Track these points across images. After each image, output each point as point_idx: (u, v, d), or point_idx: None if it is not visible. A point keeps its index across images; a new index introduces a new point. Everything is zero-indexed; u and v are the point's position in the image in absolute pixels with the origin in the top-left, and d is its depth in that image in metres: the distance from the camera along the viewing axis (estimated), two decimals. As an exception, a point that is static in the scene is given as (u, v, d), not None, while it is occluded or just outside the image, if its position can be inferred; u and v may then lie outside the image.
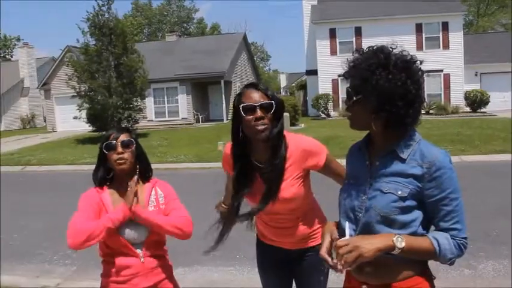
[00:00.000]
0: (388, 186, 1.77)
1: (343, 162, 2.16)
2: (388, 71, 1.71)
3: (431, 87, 27.70)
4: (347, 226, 1.77)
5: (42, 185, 12.85)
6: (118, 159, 2.41)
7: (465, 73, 28.02)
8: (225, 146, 2.55)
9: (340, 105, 26.54)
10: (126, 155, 2.42)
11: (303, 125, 23.24)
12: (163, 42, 36.87)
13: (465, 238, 1.78)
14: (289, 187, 2.36)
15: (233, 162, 2.44)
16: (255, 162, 2.40)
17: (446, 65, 27.50)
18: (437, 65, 27.06)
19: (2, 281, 5.24)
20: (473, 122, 20.40)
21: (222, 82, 28.62)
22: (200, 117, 29.30)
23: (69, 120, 28.83)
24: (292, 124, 21.73)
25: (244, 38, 35.70)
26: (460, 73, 27.85)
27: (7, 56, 54.27)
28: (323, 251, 1.82)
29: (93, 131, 23.25)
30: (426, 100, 24.34)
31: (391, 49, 1.79)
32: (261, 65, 69.33)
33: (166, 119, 29.35)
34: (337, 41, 28.61)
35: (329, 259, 1.78)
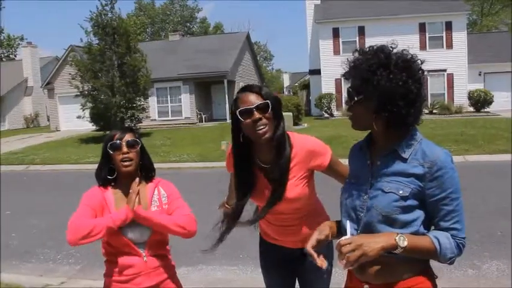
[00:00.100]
0: (389, 186, 1.77)
1: (346, 162, 2.16)
2: (389, 71, 1.71)
3: (434, 86, 27.66)
4: (348, 225, 1.77)
5: (46, 184, 12.89)
6: (123, 159, 2.41)
7: (469, 73, 27.95)
8: (228, 147, 2.55)
9: (343, 105, 26.51)
10: (131, 155, 2.42)
11: (306, 125, 23.23)
12: (167, 42, 36.89)
13: (464, 238, 1.77)
14: (294, 187, 2.36)
15: (234, 165, 2.45)
16: (259, 163, 2.40)
17: (450, 65, 27.46)
18: (440, 65, 27.01)
19: (5, 279, 5.25)
20: (477, 121, 20.35)
21: (225, 82, 28.61)
22: (203, 116, 29.32)
23: (73, 119, 28.90)
24: (295, 124, 21.72)
25: (248, 37, 35.67)
26: (463, 73, 27.79)
27: (11, 56, 54.39)
28: (308, 246, 1.86)
29: (97, 130, 23.30)
30: (429, 100, 24.29)
31: (391, 48, 1.79)
32: (264, 64, 69.30)
33: (170, 118, 29.38)
34: (341, 40, 28.58)
35: (315, 254, 1.82)
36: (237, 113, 2.25)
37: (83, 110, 22.47)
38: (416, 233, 1.74)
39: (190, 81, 28.94)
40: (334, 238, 2.05)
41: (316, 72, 30.01)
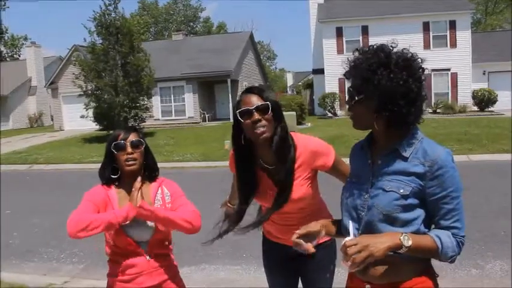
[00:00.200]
0: (390, 185, 1.77)
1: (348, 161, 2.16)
2: (390, 70, 1.70)
3: (438, 86, 27.59)
4: (351, 226, 1.76)
5: (49, 183, 12.92)
6: (127, 160, 2.41)
7: (473, 72, 27.85)
8: (231, 150, 2.56)
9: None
10: (135, 155, 2.43)
11: (309, 124, 23.20)
12: (170, 41, 36.93)
13: (464, 236, 1.78)
14: (299, 187, 2.38)
15: (236, 167, 2.46)
16: (262, 164, 2.41)
17: (454, 64, 27.38)
18: (444, 64, 26.95)
19: (9, 278, 5.27)
20: (481, 121, 20.29)
21: (228, 81, 28.61)
22: (207, 116, 29.34)
23: (76, 119, 28.95)
24: (299, 123, 21.70)
25: (251, 36, 35.67)
26: (467, 72, 27.70)
27: (15, 55, 54.57)
28: (294, 236, 1.91)
29: (100, 130, 23.34)
30: (433, 99, 24.18)
31: (391, 48, 1.78)
32: (267, 64, 69.31)
33: (173, 117, 29.40)
34: (344, 39, 28.53)
35: (300, 241, 1.90)
36: (238, 113, 2.29)
37: (87, 110, 22.50)
38: (417, 232, 1.74)
39: (193, 81, 28.96)
40: (331, 236, 2.09)
41: (319, 71, 29.98)
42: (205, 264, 5.50)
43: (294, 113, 19.68)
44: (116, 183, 2.49)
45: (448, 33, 27.79)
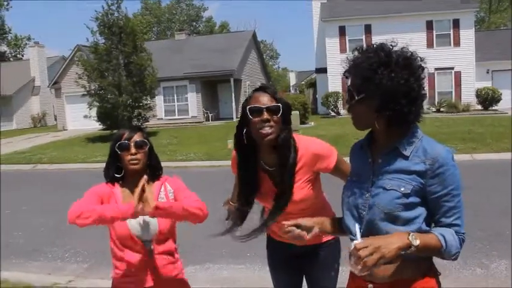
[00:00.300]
0: (391, 183, 1.77)
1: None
2: (391, 69, 1.70)
3: (442, 84, 27.54)
4: (357, 227, 1.75)
5: (53, 183, 12.95)
6: (131, 160, 2.41)
7: (476, 70, 27.77)
8: (234, 149, 2.56)
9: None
10: (139, 156, 2.43)
11: (312, 123, 23.19)
12: (173, 41, 36.93)
13: (464, 233, 1.79)
14: (300, 190, 2.38)
15: (238, 167, 2.46)
16: (263, 165, 2.41)
17: (458, 63, 27.31)
18: (448, 63, 26.90)
19: (14, 278, 5.28)
20: (485, 119, 20.23)
21: (231, 80, 28.61)
22: (210, 115, 29.35)
23: (80, 118, 29.04)
24: (302, 122, 21.69)
25: (254, 36, 35.65)
26: (471, 70, 27.61)
27: (18, 55, 54.68)
28: (288, 223, 1.97)
29: (103, 130, 23.38)
30: (437, 98, 24.12)
31: (391, 46, 1.78)
32: (270, 63, 69.25)
33: (176, 117, 29.42)
34: (347, 38, 28.47)
35: (294, 229, 1.94)
36: (247, 109, 2.27)
37: (90, 109, 22.55)
38: (418, 230, 1.74)
39: (196, 80, 28.97)
40: (326, 233, 2.11)
41: (322, 70, 29.96)
42: (209, 263, 5.50)
43: (297, 112, 19.70)
44: (120, 182, 2.50)
45: (451, 32, 27.72)
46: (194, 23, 67.69)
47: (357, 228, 1.72)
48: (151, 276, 2.44)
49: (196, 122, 28.36)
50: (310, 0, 32.28)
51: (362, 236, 1.83)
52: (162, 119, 29.06)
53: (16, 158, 18.08)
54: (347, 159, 2.43)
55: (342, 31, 28.69)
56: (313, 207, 2.47)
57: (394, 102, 1.70)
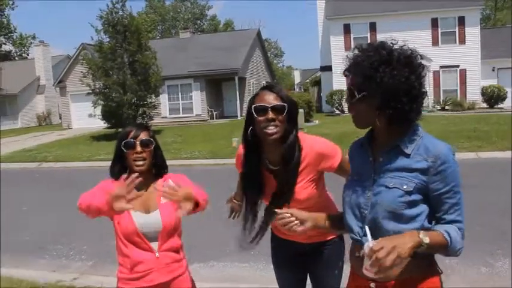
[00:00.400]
0: (393, 182, 1.77)
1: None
2: (392, 67, 1.70)
3: (447, 82, 27.44)
4: (367, 229, 1.73)
5: (59, 181, 12.99)
6: (136, 158, 2.41)
7: (482, 68, 27.62)
8: (238, 147, 2.56)
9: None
10: (144, 154, 2.42)
11: (317, 122, 23.15)
12: (177, 39, 36.97)
13: (464, 229, 1.79)
14: (303, 189, 2.38)
15: (242, 166, 2.46)
16: (268, 164, 2.41)
17: (463, 60, 27.17)
18: (453, 61, 26.78)
19: (19, 275, 5.31)
20: (490, 118, 20.12)
21: (236, 78, 28.61)
22: (214, 113, 29.34)
23: (84, 117, 29.15)
24: (307, 120, 21.66)
25: (258, 34, 35.63)
26: (476, 68, 27.47)
27: (23, 55, 54.87)
28: (281, 211, 1.99)
29: (108, 128, 23.43)
30: (442, 96, 23.94)
31: (391, 45, 1.78)
32: (274, 61, 69.22)
33: (181, 115, 29.43)
34: (352, 36, 28.38)
35: (286, 215, 1.96)
36: (253, 108, 2.28)
37: (94, 108, 22.60)
38: (421, 228, 1.74)
39: (201, 79, 28.97)
40: (320, 228, 2.11)
41: (327, 68, 29.88)
42: (214, 261, 5.50)
43: (302, 110, 19.65)
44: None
45: (457, 30, 27.57)
46: (198, 21, 67.72)
47: (367, 230, 1.71)
48: (157, 275, 2.44)
49: (200, 120, 28.38)
50: (314, -2, 32.22)
51: (365, 235, 1.83)
52: (166, 117, 29.09)
53: (22, 156, 18.17)
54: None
55: (347, 29, 28.61)
56: (317, 206, 2.45)
57: (395, 101, 1.70)
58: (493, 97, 26.11)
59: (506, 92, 25.87)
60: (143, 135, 2.44)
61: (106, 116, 22.87)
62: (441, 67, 26.81)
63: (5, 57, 49.67)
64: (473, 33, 27.34)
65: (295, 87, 54.55)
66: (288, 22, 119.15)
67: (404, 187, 1.74)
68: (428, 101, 26.35)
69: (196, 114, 29.20)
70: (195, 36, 38.28)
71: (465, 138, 14.39)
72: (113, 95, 21.73)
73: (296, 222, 1.98)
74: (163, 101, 28.74)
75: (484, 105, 26.55)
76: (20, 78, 37.04)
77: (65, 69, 31.20)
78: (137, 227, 2.39)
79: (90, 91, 22.22)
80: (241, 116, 28.03)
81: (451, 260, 4.84)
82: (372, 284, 1.85)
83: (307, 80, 49.25)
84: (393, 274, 1.77)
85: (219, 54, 29.76)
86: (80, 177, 12.65)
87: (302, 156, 2.35)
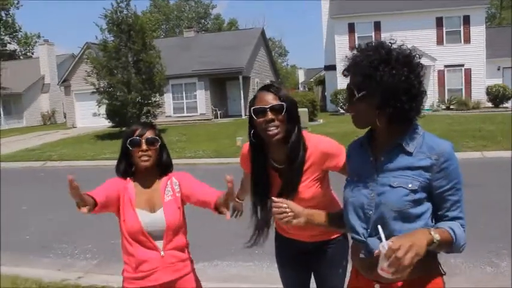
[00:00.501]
0: (397, 181, 1.76)
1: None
2: (391, 67, 1.70)
3: (452, 82, 27.34)
4: (380, 229, 1.70)
5: (63, 180, 12.97)
6: (142, 156, 2.42)
7: (487, 67, 27.51)
8: (243, 146, 2.57)
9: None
10: (150, 152, 2.44)
11: (321, 121, 23.13)
12: (181, 38, 36.97)
13: (465, 226, 1.80)
14: (308, 188, 2.38)
15: (251, 167, 2.46)
16: (273, 163, 2.40)
17: (468, 60, 27.06)
18: (458, 60, 26.69)
19: (24, 273, 5.33)
20: (496, 117, 20.05)
21: (240, 78, 28.60)
22: (218, 112, 29.34)
23: (89, 116, 29.21)
24: (311, 120, 21.65)
25: (262, 33, 35.61)
26: (481, 67, 27.36)
27: (28, 54, 55.03)
28: (276, 198, 2.02)
29: (112, 127, 23.48)
30: (446, 95, 23.83)
31: (390, 44, 1.78)
32: (279, 60, 69.17)
33: (185, 114, 29.44)
34: (356, 35, 28.31)
35: (282, 205, 1.98)
36: (251, 110, 2.28)
37: (99, 107, 22.65)
38: (426, 226, 1.74)
39: (205, 78, 28.97)
40: (315, 226, 2.13)
41: (331, 67, 29.84)
42: (218, 260, 5.50)
43: (306, 109, 19.64)
44: (132, 178, 2.52)
45: (461, 29, 27.45)
46: (203, 21, 67.75)
47: (380, 230, 1.69)
48: (162, 274, 2.44)
49: (204, 120, 28.38)
50: (319, -2, 32.17)
51: (370, 235, 1.82)
52: (170, 116, 29.12)
53: (26, 155, 18.23)
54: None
55: (351, 28, 28.55)
56: (321, 205, 2.45)
57: (395, 99, 1.70)
58: (498, 96, 26.01)
59: (512, 91, 25.76)
60: (149, 134, 2.45)
61: (110, 115, 22.91)
62: (446, 66, 26.73)
63: (10, 56, 49.83)
64: (478, 32, 27.22)
65: (300, 86, 54.51)
66: (292, 21, 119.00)
67: (410, 186, 1.74)
68: (433, 100, 26.29)
69: (200, 113, 29.21)
70: (199, 36, 38.26)
71: (470, 137, 14.35)
72: (118, 94, 21.78)
73: (290, 214, 1.99)
74: (168, 100, 28.77)
75: (489, 104, 26.45)
76: (24, 77, 37.19)
77: (70, 68, 31.27)
78: (142, 225, 2.39)
79: (95, 90, 22.27)
80: (245, 115, 28.01)
81: (456, 260, 4.83)
82: (377, 285, 1.85)
83: (312, 79, 49.19)
84: (407, 274, 1.77)
85: (223, 53, 29.76)
86: (85, 176, 12.68)
87: (307, 155, 2.35)
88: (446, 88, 27.29)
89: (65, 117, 35.19)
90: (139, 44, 21.94)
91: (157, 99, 23.65)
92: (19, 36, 55.02)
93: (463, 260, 4.87)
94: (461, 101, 26.15)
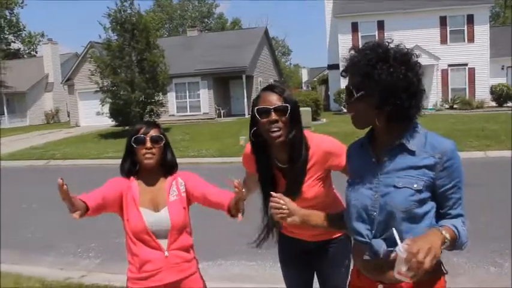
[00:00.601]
0: (402, 181, 1.75)
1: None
2: (389, 65, 1.70)
3: (455, 81, 27.28)
4: (395, 232, 1.68)
5: (66, 178, 12.98)
6: (146, 154, 2.43)
7: (491, 67, 27.43)
8: (245, 146, 2.57)
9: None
10: (154, 150, 2.44)
11: (324, 120, 23.11)
12: (185, 37, 36.98)
13: (466, 223, 1.80)
14: (311, 188, 2.39)
15: (256, 168, 2.46)
16: (276, 163, 2.40)
17: (471, 59, 26.98)
18: (462, 59, 26.62)
19: (27, 272, 5.34)
20: (499, 116, 19.99)
21: (243, 77, 28.60)
22: (222, 112, 29.34)
23: (92, 115, 29.23)
24: (314, 119, 21.62)
25: (266, 32, 35.59)
26: (485, 67, 27.27)
27: (32, 52, 55.15)
28: (275, 194, 2.01)
29: (116, 126, 23.51)
30: (450, 95, 23.76)
31: (387, 43, 1.78)
32: (282, 59, 69.11)
33: (188, 113, 29.45)
34: (360, 35, 28.25)
35: (280, 200, 1.98)
36: (255, 110, 2.28)
37: (102, 106, 22.68)
38: (430, 225, 1.74)
39: (208, 77, 28.97)
40: (312, 227, 2.12)
41: (335, 67, 29.77)
42: (221, 259, 5.51)
43: (309, 108, 19.62)
44: (136, 176, 2.52)
45: (465, 28, 27.36)
46: (206, 20, 67.74)
47: (395, 233, 1.67)
48: (166, 274, 2.43)
49: (208, 119, 28.39)
50: (322, -4, 32.12)
51: (374, 237, 1.81)
52: (174, 115, 29.13)
53: (30, 153, 18.27)
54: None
55: (355, 27, 28.51)
56: (324, 204, 2.45)
57: (394, 97, 1.70)
58: (501, 96, 25.92)
59: (516, 91, 25.65)
60: (153, 132, 2.47)
61: (114, 114, 22.95)
62: (449, 65, 26.66)
63: (14, 55, 49.97)
64: (482, 31, 27.13)
65: (303, 85, 54.47)
66: (296, 20, 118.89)
67: (415, 186, 1.73)
68: (437, 99, 26.23)
69: (203, 113, 29.22)
70: (203, 35, 38.26)
71: (473, 137, 14.31)
72: (121, 93, 21.81)
73: (286, 211, 1.99)
74: (171, 99, 28.81)
75: (493, 104, 26.38)
76: (28, 76, 37.28)
77: (73, 67, 31.33)
78: (146, 225, 2.39)
79: (98, 89, 22.31)
80: (248, 114, 27.83)
81: (459, 259, 4.82)
82: (380, 286, 1.84)
83: (315, 79, 49.16)
84: (387, 272, 1.77)
85: (227, 52, 29.76)
86: (88, 175, 12.71)
87: (309, 154, 2.35)
88: (449, 87, 27.23)
89: (68, 116, 35.28)
90: (143, 43, 21.96)
91: (161, 98, 23.69)
92: (23, 35, 55.16)
93: (466, 260, 4.86)
94: (464, 101, 26.09)
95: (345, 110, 27.26)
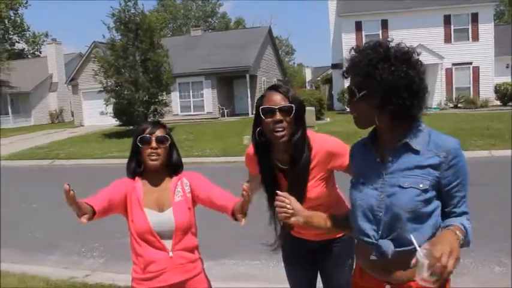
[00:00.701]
0: (408, 181, 1.74)
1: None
2: (390, 64, 1.70)
3: (459, 80, 27.18)
4: (413, 238, 1.65)
5: (71, 178, 13.07)
6: (151, 154, 2.43)
7: (495, 65, 27.32)
8: (248, 147, 2.56)
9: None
10: (159, 151, 2.44)
11: (328, 119, 23.09)
12: (189, 37, 36.98)
13: (470, 220, 1.80)
14: (314, 188, 2.38)
15: (259, 170, 2.45)
16: (277, 164, 2.40)
17: (476, 58, 26.88)
18: (466, 58, 26.53)
19: (32, 271, 5.36)
20: (504, 115, 19.91)
21: (247, 76, 28.58)
22: (225, 111, 29.33)
23: (96, 115, 29.32)
24: (318, 118, 21.61)
25: (269, 32, 35.54)
26: (490, 65, 27.16)
27: (36, 53, 55.30)
28: (281, 192, 2.00)
29: (119, 126, 23.55)
30: (454, 93, 23.66)
31: (388, 43, 1.78)
32: (286, 59, 69.04)
33: (192, 113, 29.45)
34: (363, 34, 28.17)
35: (285, 199, 1.96)
36: (260, 110, 2.27)
37: (106, 106, 22.72)
38: (436, 224, 1.74)
39: (212, 76, 28.98)
40: (315, 228, 2.10)
41: (338, 66, 29.73)
42: (225, 259, 5.51)
43: (313, 108, 19.61)
44: (141, 177, 2.52)
45: (469, 26, 27.26)
46: (209, 19, 67.76)
47: (413, 239, 1.64)
48: (171, 274, 2.43)
49: (211, 118, 28.39)
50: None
51: (381, 237, 1.80)
52: (177, 115, 29.15)
53: (34, 153, 18.34)
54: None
55: (359, 26, 28.44)
56: (327, 204, 2.46)
57: (396, 96, 1.70)
58: (506, 94, 25.81)
59: (520, 90, 25.54)
60: (159, 132, 2.47)
61: (118, 113, 22.99)
62: (454, 64, 26.58)
63: (18, 55, 50.11)
64: (487, 29, 27.02)
65: (307, 85, 54.41)
66: (299, 19, 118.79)
67: (421, 185, 1.72)
68: (441, 98, 26.15)
69: (207, 112, 29.21)
70: (206, 34, 38.25)
71: (478, 136, 14.26)
72: (125, 92, 21.85)
73: (290, 211, 1.98)
74: (175, 98, 28.81)
75: (498, 102, 26.27)
76: (32, 76, 37.42)
77: (77, 67, 31.40)
78: (151, 225, 2.39)
79: (102, 89, 22.36)
80: (252, 113, 27.97)
81: (463, 259, 4.78)
82: (387, 286, 1.84)
83: (319, 78, 49.08)
84: (394, 272, 1.76)
85: (230, 52, 29.76)
86: (92, 175, 12.74)
87: (312, 154, 2.34)
88: (454, 86, 27.15)
89: (72, 115, 35.38)
90: (147, 43, 21.99)
91: (165, 98, 23.72)
92: (27, 35, 55.31)
93: (471, 260, 4.84)
94: (469, 99, 26.01)
95: (348, 110, 27.14)
